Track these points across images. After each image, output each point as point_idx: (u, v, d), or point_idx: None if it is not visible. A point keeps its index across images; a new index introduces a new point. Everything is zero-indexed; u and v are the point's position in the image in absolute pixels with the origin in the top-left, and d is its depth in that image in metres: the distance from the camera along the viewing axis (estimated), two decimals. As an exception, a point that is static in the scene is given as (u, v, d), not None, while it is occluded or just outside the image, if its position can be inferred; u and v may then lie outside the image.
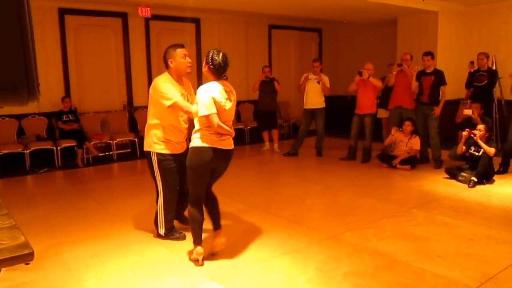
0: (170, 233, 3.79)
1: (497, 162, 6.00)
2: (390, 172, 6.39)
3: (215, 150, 3.16)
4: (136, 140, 7.93)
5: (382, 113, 7.78)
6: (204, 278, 3.08)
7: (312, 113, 7.55)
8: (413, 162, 6.47)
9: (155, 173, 3.66)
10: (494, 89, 7.37)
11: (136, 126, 8.25)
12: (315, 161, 7.44)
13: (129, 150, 8.18)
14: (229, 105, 3.21)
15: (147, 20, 8.35)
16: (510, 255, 3.36)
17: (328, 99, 7.74)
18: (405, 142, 6.52)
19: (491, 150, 5.48)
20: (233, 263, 3.32)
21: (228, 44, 9.42)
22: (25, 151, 6.82)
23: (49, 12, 7.35)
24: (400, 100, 6.88)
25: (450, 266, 3.18)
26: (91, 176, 6.79)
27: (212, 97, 3.09)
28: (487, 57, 7.06)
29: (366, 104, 6.97)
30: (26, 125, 7.17)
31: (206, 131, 3.16)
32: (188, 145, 3.36)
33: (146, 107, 9.16)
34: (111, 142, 7.68)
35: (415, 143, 6.48)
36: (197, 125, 3.21)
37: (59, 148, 7.08)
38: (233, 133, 3.28)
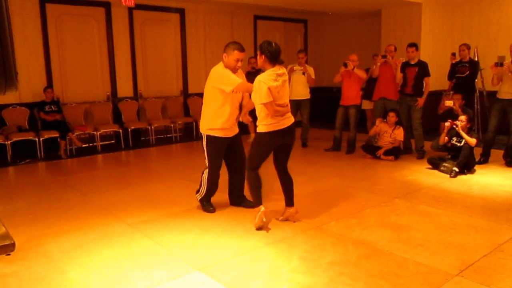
0: (204, 205, 4.29)
1: (478, 152, 6.11)
2: (374, 162, 6.46)
3: (275, 132, 3.64)
4: (120, 131, 7.86)
5: (367, 105, 7.84)
6: (189, 268, 3.09)
7: (297, 104, 7.56)
8: (397, 152, 6.56)
9: (204, 152, 4.15)
10: (476, 80, 7.48)
11: (120, 117, 8.17)
12: (300, 152, 7.47)
13: (113, 141, 8.11)
14: (280, 86, 3.59)
15: (130, 10, 8.23)
16: (489, 243, 3.44)
17: (313, 90, 7.77)
18: (389, 133, 6.59)
19: (472, 141, 5.58)
20: (217, 254, 3.34)
21: (213, 35, 9.36)
22: (6, 142, 6.71)
23: (29, 1, 7.19)
24: (384, 91, 6.95)
25: (431, 255, 3.25)
26: (74, 167, 6.72)
27: (269, 87, 3.48)
28: (468, 48, 7.14)
29: (351, 95, 7.01)
30: (7, 116, 7.04)
31: (269, 119, 3.61)
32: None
33: (130, 98, 9.03)
34: (95, 133, 7.60)
35: (399, 134, 6.56)
36: (261, 113, 3.65)
37: (41, 139, 6.98)
38: (288, 110, 3.76)
